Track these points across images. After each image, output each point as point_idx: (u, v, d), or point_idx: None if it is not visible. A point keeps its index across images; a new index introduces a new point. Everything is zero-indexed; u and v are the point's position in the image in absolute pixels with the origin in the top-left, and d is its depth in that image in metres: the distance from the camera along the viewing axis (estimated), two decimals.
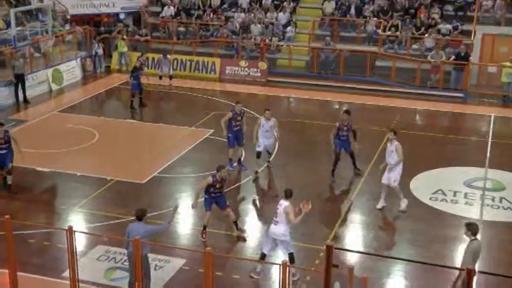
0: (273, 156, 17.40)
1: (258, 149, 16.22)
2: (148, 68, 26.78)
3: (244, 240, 13.11)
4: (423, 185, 15.87)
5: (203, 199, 13.14)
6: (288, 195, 11.48)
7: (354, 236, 13.69)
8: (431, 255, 12.58)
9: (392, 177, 14.36)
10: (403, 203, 14.47)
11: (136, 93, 21.55)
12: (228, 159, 16.42)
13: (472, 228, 10.14)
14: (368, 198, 15.30)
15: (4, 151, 15.02)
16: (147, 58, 26.84)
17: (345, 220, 14.14)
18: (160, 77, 24.76)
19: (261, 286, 11.73)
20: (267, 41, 26.80)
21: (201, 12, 29.18)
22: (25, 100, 22.48)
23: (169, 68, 24.71)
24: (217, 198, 13.00)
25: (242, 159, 16.87)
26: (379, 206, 14.56)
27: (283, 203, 11.49)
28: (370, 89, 24.30)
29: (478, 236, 10.23)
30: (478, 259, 10.19)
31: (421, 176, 16.42)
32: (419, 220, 14.21)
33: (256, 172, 16.28)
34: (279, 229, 11.44)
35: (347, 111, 16.70)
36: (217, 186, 12.88)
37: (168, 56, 25.19)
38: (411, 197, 15.19)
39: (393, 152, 14.30)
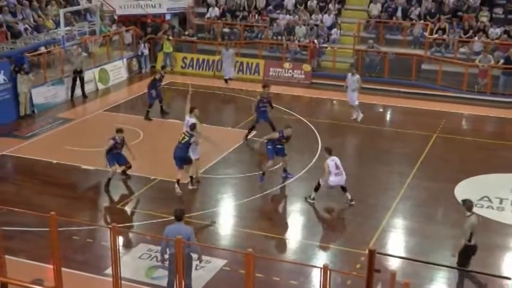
0: (315, 159, 17.31)
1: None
2: (192, 69, 27.05)
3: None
4: (469, 191, 15.53)
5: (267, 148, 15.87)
6: (330, 150, 14.64)
7: (397, 241, 13.51)
8: (475, 263, 12.31)
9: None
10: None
11: (152, 104, 20.98)
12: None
13: (466, 203, 10.97)
14: (412, 203, 15.09)
15: (118, 155, 15.72)
16: (192, 59, 27.14)
17: (387, 225, 13.97)
18: (226, 81, 24.66)
19: None
20: (315, 44, 26.68)
21: (246, 14, 29.25)
22: (83, 95, 23.22)
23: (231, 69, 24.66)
24: (278, 149, 15.74)
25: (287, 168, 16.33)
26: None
27: (335, 158, 14.43)
28: (416, 92, 23.96)
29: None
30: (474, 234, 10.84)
31: (467, 182, 16.11)
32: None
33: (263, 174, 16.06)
34: (344, 176, 14.47)
35: (266, 85, 18.83)
36: (282, 141, 15.66)
37: (231, 50, 24.95)
38: (456, 202, 14.91)
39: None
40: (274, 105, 19.09)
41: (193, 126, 15.41)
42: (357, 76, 20.58)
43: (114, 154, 15.55)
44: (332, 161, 14.49)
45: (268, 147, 15.96)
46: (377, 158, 17.76)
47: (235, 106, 23.01)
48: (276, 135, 15.99)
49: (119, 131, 15.61)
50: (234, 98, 23.69)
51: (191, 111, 16.23)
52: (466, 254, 10.89)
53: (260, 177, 15.97)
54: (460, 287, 11.12)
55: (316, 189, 14.76)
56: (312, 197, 14.83)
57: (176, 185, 15.16)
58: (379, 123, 21.35)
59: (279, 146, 15.85)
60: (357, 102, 20.55)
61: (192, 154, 15.47)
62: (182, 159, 15.20)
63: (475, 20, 25.96)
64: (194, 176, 15.68)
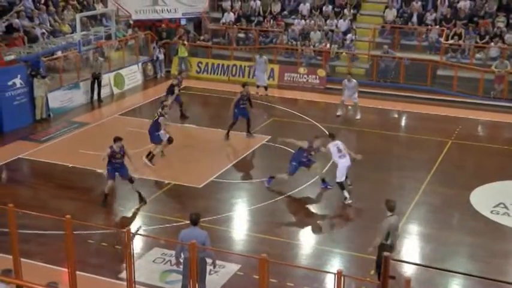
0: (329, 164, 17.29)
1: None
2: (207, 73, 27.11)
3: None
4: (484, 198, 15.45)
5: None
6: (333, 135, 15.44)
7: (412, 248, 13.43)
8: (491, 270, 12.23)
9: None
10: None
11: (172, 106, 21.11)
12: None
13: (388, 204, 11.09)
14: (426, 209, 15.02)
15: (120, 164, 14.82)
16: (207, 64, 27.21)
17: (402, 231, 13.89)
18: (258, 86, 24.46)
19: None
20: (327, 48, 26.67)
21: (261, 19, 29.30)
22: (99, 99, 23.49)
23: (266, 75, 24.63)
24: (303, 162, 15.54)
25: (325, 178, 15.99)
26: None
27: (337, 143, 15.20)
28: (431, 98, 23.86)
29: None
30: (397, 236, 11.20)
31: (483, 188, 16.00)
32: (479, 234, 13.85)
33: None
34: (348, 159, 15.03)
35: (245, 84, 19.51)
36: (311, 153, 15.49)
37: (265, 57, 24.74)
38: (471, 209, 14.85)
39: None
40: (287, 109, 19.13)
41: (164, 106, 17.12)
42: (354, 81, 21.61)
43: (115, 165, 14.81)
44: (334, 146, 15.27)
45: (293, 163, 15.43)
46: (392, 164, 17.70)
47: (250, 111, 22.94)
48: (304, 144, 15.36)
49: (117, 139, 14.75)
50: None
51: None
52: (381, 252, 10.73)
53: (268, 180, 15.92)
54: None
55: (342, 187, 15.06)
56: (346, 197, 15.04)
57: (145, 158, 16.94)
58: (394, 128, 21.28)
59: (304, 160, 15.45)
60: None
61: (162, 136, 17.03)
62: (150, 135, 16.97)
63: (492, 26, 25.81)
64: (153, 153, 17.16)
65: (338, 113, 21.84)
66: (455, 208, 15.05)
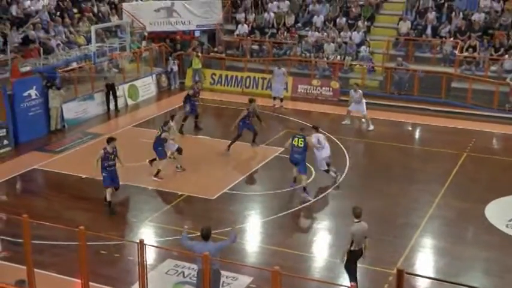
0: (343, 176, 17.25)
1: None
2: (221, 85, 27.19)
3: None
4: (499, 212, 15.32)
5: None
6: (316, 127, 16.69)
7: (426, 261, 13.33)
8: (506, 285, 12.11)
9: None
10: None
11: (186, 117, 21.18)
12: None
13: (354, 211, 11.33)
14: (441, 223, 14.92)
15: (113, 168, 15.19)
16: (221, 75, 27.28)
17: (416, 244, 13.81)
18: (275, 98, 24.53)
19: None
20: (339, 60, 26.69)
21: (275, 31, 29.37)
22: (116, 109, 23.76)
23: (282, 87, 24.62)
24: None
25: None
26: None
27: (318, 135, 16.53)
28: (445, 110, 23.76)
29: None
30: (364, 241, 11.36)
31: (498, 201, 15.87)
32: (494, 248, 13.72)
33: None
34: (328, 151, 16.56)
35: (252, 100, 19.57)
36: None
37: (283, 69, 24.70)
38: (486, 223, 14.72)
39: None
40: (300, 121, 19.14)
41: (166, 122, 17.27)
42: (360, 92, 21.93)
43: (109, 171, 15.06)
44: (315, 138, 16.46)
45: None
46: (405, 176, 17.61)
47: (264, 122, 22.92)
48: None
49: (111, 140, 15.18)
50: (261, 115, 23.67)
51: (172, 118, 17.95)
52: (349, 258, 11.35)
53: (292, 184, 16.56)
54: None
55: (327, 171, 16.81)
56: (335, 175, 16.88)
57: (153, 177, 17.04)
58: (408, 141, 21.19)
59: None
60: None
61: (167, 149, 17.30)
62: (155, 151, 17.04)
63: (506, 38, 25.71)
64: (159, 169, 17.12)
65: (343, 122, 22.18)
66: (470, 222, 14.94)
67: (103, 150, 15.06)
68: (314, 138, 16.43)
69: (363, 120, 22.18)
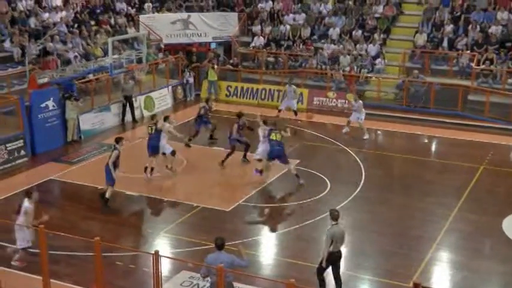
0: (358, 189, 17.17)
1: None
2: (237, 97, 27.27)
3: None
4: None
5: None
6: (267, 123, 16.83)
7: (442, 275, 13.20)
8: None
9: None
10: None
11: (198, 132, 21.25)
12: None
13: (331, 214, 11.61)
14: (457, 236, 14.79)
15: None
16: (236, 87, 27.34)
17: (432, 258, 13.69)
18: (296, 113, 24.42)
19: None
20: (354, 72, 26.69)
21: (291, 43, 29.43)
22: (134, 120, 24.10)
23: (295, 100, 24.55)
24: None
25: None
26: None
27: (266, 127, 17.62)
28: (462, 123, 23.63)
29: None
30: (342, 244, 11.66)
31: None
32: (511, 262, 13.57)
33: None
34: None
35: (241, 114, 19.55)
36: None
37: (294, 86, 24.48)
38: (504, 237, 14.57)
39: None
40: (316, 133, 19.12)
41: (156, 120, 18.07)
42: (360, 102, 22.25)
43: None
44: (263, 130, 17.63)
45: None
46: (422, 189, 17.50)
47: None
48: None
49: (119, 139, 16.06)
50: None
51: (165, 119, 18.39)
52: (328, 259, 11.62)
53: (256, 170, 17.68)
54: None
55: (259, 160, 17.84)
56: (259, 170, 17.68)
57: (144, 173, 17.60)
58: (424, 154, 21.07)
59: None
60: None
61: (162, 149, 17.80)
62: (154, 148, 17.69)
63: None
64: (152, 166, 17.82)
65: (344, 130, 22.23)
66: (487, 235, 14.80)
67: (117, 152, 15.76)
68: (261, 130, 17.83)
69: (378, 132, 22.10)
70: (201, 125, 21.06)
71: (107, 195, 15.90)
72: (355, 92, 24.27)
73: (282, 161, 17.49)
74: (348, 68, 27.00)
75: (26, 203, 12.62)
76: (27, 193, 12.91)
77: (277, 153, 17.28)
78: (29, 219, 12.45)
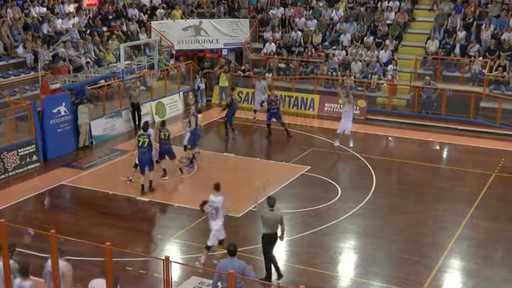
0: (369, 195, 17.12)
1: None
2: (248, 103, 27.25)
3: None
4: None
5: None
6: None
7: (454, 283, 13.12)
8: None
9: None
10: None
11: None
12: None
13: (268, 201, 12.60)
14: (469, 243, 14.70)
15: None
16: (247, 93, 27.35)
17: (443, 265, 13.61)
18: (255, 111, 24.54)
19: None
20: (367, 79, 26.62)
21: (302, 49, 29.43)
22: (139, 127, 23.73)
23: None
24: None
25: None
26: None
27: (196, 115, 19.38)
28: (474, 130, 23.52)
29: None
30: (277, 228, 12.58)
31: None
32: None
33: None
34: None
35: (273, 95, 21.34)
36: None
37: (264, 83, 24.61)
38: None
39: None
40: (327, 139, 19.09)
41: (146, 126, 17.72)
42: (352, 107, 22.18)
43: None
44: (187, 120, 19.29)
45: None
46: (433, 196, 17.42)
47: (289, 141, 22.82)
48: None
49: (146, 126, 17.53)
50: (294, 134, 23.68)
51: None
52: (266, 241, 12.68)
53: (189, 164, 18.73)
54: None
55: (184, 148, 19.38)
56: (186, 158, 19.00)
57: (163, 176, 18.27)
58: (436, 160, 20.97)
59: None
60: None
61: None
62: (169, 153, 18.29)
63: None
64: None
65: (336, 145, 21.42)
66: (500, 243, 14.70)
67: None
68: (186, 121, 19.56)
69: (390, 138, 22.01)
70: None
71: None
72: (350, 95, 22.86)
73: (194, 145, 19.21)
74: (359, 75, 26.95)
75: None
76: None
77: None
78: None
